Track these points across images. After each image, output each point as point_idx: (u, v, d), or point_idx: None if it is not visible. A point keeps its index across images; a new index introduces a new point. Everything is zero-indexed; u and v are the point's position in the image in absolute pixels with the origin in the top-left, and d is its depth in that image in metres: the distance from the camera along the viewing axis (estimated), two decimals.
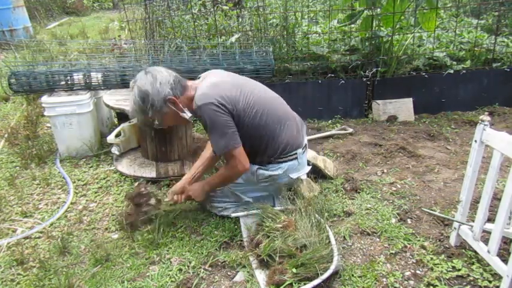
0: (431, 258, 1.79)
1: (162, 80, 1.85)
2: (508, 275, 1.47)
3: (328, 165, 2.49)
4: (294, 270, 1.63)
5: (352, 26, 3.62)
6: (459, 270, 1.71)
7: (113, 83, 2.83)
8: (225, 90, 1.86)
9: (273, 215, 1.87)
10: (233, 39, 3.46)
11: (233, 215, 2.07)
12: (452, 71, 3.49)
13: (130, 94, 1.90)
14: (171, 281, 1.71)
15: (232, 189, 2.08)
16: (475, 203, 1.97)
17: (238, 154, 1.86)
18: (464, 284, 1.66)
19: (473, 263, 1.75)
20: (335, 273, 1.69)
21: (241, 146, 1.87)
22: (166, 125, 2.01)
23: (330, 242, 1.80)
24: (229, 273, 1.77)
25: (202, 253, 1.87)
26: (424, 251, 1.85)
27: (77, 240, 2.02)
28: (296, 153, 2.02)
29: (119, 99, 2.60)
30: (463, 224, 1.79)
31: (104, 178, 2.61)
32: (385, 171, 2.60)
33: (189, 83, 1.96)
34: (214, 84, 1.89)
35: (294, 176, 2.04)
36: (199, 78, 2.05)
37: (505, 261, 1.54)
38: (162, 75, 1.87)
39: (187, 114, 1.91)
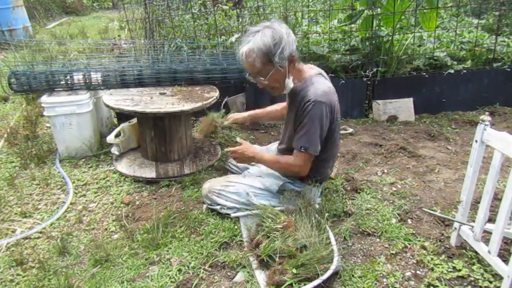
0: (432, 259, 1.79)
1: (293, 36, 1.82)
2: (509, 276, 1.47)
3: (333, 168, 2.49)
4: (294, 270, 1.62)
5: (352, 25, 3.61)
6: (460, 270, 1.71)
7: (112, 83, 2.83)
8: (335, 100, 1.90)
9: (273, 215, 1.86)
10: (233, 39, 3.46)
11: (233, 215, 2.07)
12: (452, 71, 3.49)
13: (250, 36, 1.78)
14: (171, 282, 1.71)
15: (248, 190, 2.07)
16: (475, 203, 1.97)
17: (308, 160, 1.91)
18: (465, 284, 1.66)
19: (473, 264, 1.74)
20: (335, 274, 1.69)
21: (314, 156, 1.91)
22: (267, 80, 1.85)
23: (330, 242, 1.79)
24: (229, 273, 1.77)
25: (202, 253, 1.86)
26: (424, 252, 1.84)
27: (77, 240, 2.01)
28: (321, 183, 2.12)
29: (119, 99, 2.59)
30: (464, 224, 1.78)
31: (104, 178, 2.60)
32: (386, 171, 2.59)
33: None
34: (332, 89, 1.90)
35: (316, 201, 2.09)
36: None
37: (506, 261, 1.54)
38: (292, 34, 1.83)
39: (291, 83, 1.88)
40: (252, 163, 2.23)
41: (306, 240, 1.71)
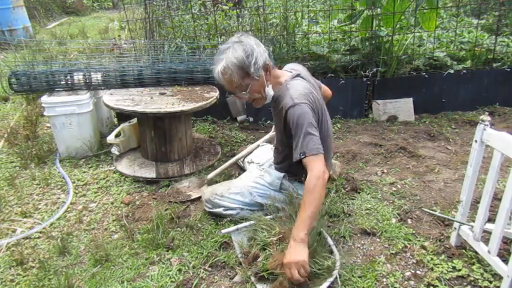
0: (432, 259, 1.79)
1: (263, 46, 1.86)
2: (509, 275, 1.47)
3: (337, 168, 2.48)
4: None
5: (352, 26, 3.62)
6: (459, 270, 1.71)
7: (112, 83, 2.83)
8: (315, 99, 1.86)
9: (267, 226, 1.79)
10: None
11: (223, 231, 1.96)
12: (452, 71, 3.49)
13: (222, 54, 1.79)
14: (171, 281, 1.71)
15: (251, 190, 2.06)
16: (475, 203, 1.97)
17: (317, 160, 1.69)
18: (465, 284, 1.66)
19: (473, 263, 1.74)
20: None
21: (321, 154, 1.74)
22: (252, 93, 1.86)
23: (328, 243, 1.79)
24: (229, 273, 1.77)
25: (202, 253, 1.86)
26: (424, 251, 1.84)
27: (77, 240, 2.02)
28: None
29: (119, 99, 2.60)
30: (464, 224, 1.79)
31: (104, 178, 2.60)
32: (385, 171, 2.60)
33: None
34: (309, 89, 1.87)
35: None
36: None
37: (506, 261, 1.54)
38: (262, 45, 1.86)
39: (271, 91, 1.90)
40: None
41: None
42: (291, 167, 2.02)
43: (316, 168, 1.65)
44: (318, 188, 1.61)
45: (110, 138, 2.69)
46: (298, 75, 1.94)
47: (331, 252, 1.77)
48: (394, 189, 2.38)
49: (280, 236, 1.71)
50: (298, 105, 1.75)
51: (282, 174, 2.05)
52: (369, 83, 3.47)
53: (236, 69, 1.77)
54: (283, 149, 2.04)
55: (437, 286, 1.64)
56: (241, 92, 1.85)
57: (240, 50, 1.77)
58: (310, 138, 1.71)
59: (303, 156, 1.70)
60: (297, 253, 1.53)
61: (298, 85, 1.86)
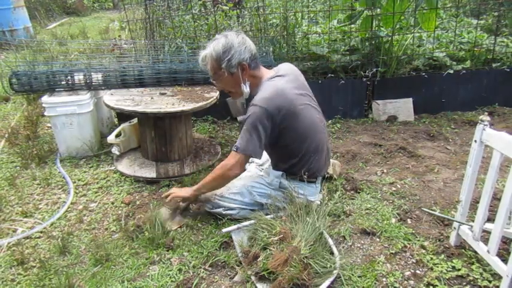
0: (431, 258, 1.79)
1: (249, 46, 1.96)
2: (508, 275, 1.47)
3: (337, 168, 2.49)
4: (298, 282, 1.58)
5: (352, 26, 3.62)
6: (459, 270, 1.72)
7: (113, 83, 2.84)
8: (284, 101, 1.90)
9: (268, 226, 1.80)
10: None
11: (224, 230, 1.98)
12: (452, 71, 3.50)
13: (211, 42, 1.96)
14: (171, 281, 1.71)
15: (251, 190, 2.07)
16: (474, 203, 1.97)
17: (241, 160, 1.93)
18: (464, 283, 1.66)
19: (473, 263, 1.75)
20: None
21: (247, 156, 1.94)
22: (221, 84, 2.05)
23: (329, 243, 1.79)
24: (229, 273, 1.77)
25: (202, 253, 1.87)
26: (424, 251, 1.85)
27: (77, 240, 2.02)
28: (316, 179, 2.11)
29: (119, 99, 2.60)
30: (463, 224, 1.79)
31: (104, 178, 2.61)
32: (385, 171, 2.60)
33: (261, 66, 2.08)
34: (280, 90, 1.92)
35: (312, 199, 2.06)
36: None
37: (505, 261, 1.54)
38: (250, 43, 1.98)
39: (246, 89, 1.99)
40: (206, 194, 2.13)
41: (305, 249, 1.65)
42: (289, 169, 2.05)
43: (234, 165, 1.92)
44: (223, 174, 1.96)
45: (111, 138, 2.69)
46: (277, 76, 2.00)
47: (331, 252, 1.78)
48: (394, 189, 2.38)
49: (281, 236, 1.71)
50: (257, 107, 1.87)
51: (280, 173, 2.07)
52: (368, 83, 3.48)
53: (212, 60, 1.95)
54: (271, 152, 2.13)
55: (437, 286, 1.65)
56: (214, 80, 2.05)
57: (221, 44, 1.92)
58: (251, 140, 1.88)
59: (234, 149, 1.91)
60: (182, 190, 2.12)
61: (268, 87, 1.94)
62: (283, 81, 1.96)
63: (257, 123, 1.86)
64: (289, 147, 2.00)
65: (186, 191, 2.10)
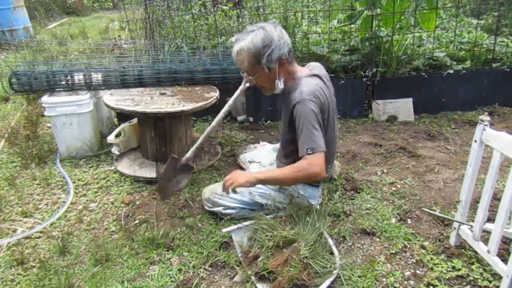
0: (431, 258, 1.79)
1: (287, 40, 1.85)
2: (508, 275, 1.47)
3: (337, 168, 2.49)
4: (298, 282, 1.58)
5: (352, 26, 3.62)
6: (459, 270, 1.72)
7: (113, 83, 2.84)
8: (326, 103, 1.86)
9: (268, 226, 1.80)
10: (233, 39, 3.46)
11: (224, 230, 1.98)
12: (452, 71, 3.49)
13: (245, 34, 1.84)
14: (171, 281, 1.71)
15: (251, 189, 2.05)
16: (474, 203, 1.97)
17: (321, 159, 1.76)
18: (464, 284, 1.66)
19: (473, 263, 1.75)
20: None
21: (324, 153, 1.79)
22: (257, 80, 1.93)
23: (329, 244, 1.79)
24: (229, 273, 1.77)
25: (202, 253, 1.87)
26: (424, 251, 1.85)
27: (77, 240, 2.02)
28: (319, 184, 2.09)
29: (119, 99, 2.60)
30: (463, 224, 1.79)
31: (104, 178, 2.61)
32: (385, 171, 2.60)
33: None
34: (322, 91, 1.86)
35: (313, 202, 2.05)
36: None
37: (505, 261, 1.54)
38: (287, 36, 1.87)
39: (280, 85, 1.90)
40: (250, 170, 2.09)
41: (305, 249, 1.65)
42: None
43: (318, 166, 1.73)
44: (300, 175, 1.77)
45: (110, 138, 2.69)
46: (315, 75, 1.94)
47: (331, 252, 1.78)
48: (394, 189, 2.38)
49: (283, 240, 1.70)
50: (306, 101, 1.77)
51: None
52: (368, 83, 3.48)
53: (250, 55, 1.82)
54: (288, 145, 2.04)
55: (437, 286, 1.65)
56: (249, 76, 1.92)
57: (260, 37, 1.79)
58: (317, 134, 1.76)
59: (310, 152, 1.74)
60: (242, 176, 1.88)
61: (310, 83, 1.87)
62: (322, 85, 1.91)
63: (314, 114, 1.76)
64: None
65: (247, 178, 1.86)
